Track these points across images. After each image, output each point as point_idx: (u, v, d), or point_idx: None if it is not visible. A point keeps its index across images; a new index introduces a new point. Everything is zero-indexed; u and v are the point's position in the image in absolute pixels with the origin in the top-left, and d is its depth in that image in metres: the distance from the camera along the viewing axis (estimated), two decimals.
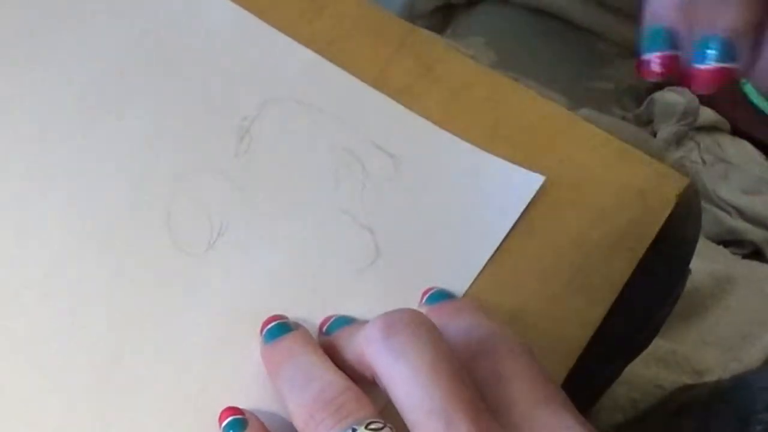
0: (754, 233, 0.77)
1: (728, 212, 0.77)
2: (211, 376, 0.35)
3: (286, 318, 0.35)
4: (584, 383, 0.41)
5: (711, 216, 0.77)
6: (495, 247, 0.38)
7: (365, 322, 0.35)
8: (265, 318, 0.35)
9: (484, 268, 0.38)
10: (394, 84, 0.42)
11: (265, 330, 0.35)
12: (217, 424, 0.33)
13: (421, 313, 0.31)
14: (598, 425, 0.61)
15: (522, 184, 0.40)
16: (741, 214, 0.77)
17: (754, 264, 0.74)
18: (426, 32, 0.44)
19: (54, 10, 0.43)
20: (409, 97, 0.42)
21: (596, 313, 0.37)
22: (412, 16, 0.81)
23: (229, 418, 0.33)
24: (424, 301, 0.36)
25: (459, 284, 0.37)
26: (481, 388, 0.29)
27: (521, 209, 0.39)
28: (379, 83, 0.42)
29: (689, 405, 0.50)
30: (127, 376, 0.34)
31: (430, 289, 0.36)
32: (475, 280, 0.38)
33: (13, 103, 0.40)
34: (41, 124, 0.40)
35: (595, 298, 0.38)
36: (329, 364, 0.32)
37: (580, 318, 0.37)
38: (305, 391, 0.31)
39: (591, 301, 0.38)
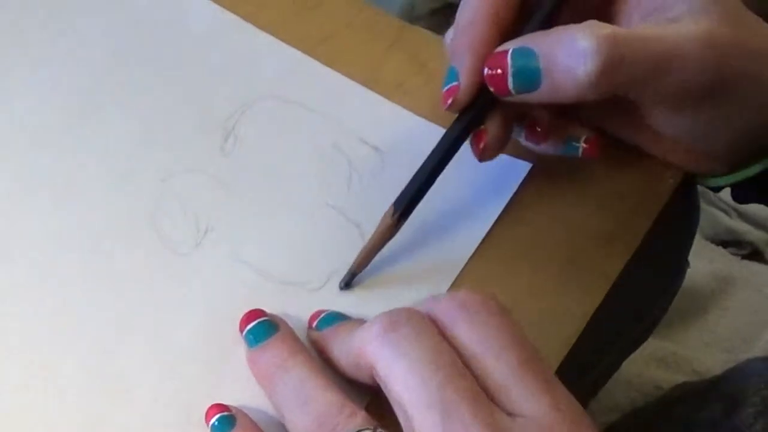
0: (753, 234, 0.76)
1: (727, 213, 0.77)
2: (200, 372, 0.35)
3: (265, 314, 0.35)
4: (582, 375, 0.41)
5: (710, 216, 0.77)
6: (483, 236, 0.38)
7: (358, 320, 0.35)
8: None
9: (476, 259, 0.38)
10: (388, 81, 0.42)
11: (246, 330, 0.34)
12: (204, 421, 0.33)
13: (418, 311, 0.31)
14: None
15: (509, 172, 0.40)
16: (740, 214, 0.77)
17: (753, 265, 0.74)
18: (419, 29, 0.44)
19: (39, 13, 0.43)
20: (403, 94, 0.42)
21: (589, 304, 0.37)
22: (411, 17, 0.81)
23: (217, 416, 0.33)
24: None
25: (448, 273, 0.37)
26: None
27: (508, 197, 0.39)
28: (372, 81, 0.42)
29: (683, 396, 0.50)
30: (116, 373, 0.34)
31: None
32: (468, 272, 0.38)
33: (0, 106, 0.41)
34: (28, 125, 0.40)
35: (588, 289, 0.38)
36: (321, 378, 0.32)
37: (573, 309, 0.37)
38: (303, 412, 0.31)
39: (584, 293, 0.37)
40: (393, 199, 0.37)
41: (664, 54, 0.34)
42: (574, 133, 0.39)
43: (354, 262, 0.37)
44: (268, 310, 0.35)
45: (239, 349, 0.35)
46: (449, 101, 0.37)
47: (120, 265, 0.37)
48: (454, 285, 0.37)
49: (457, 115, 0.37)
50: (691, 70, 0.35)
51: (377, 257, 0.37)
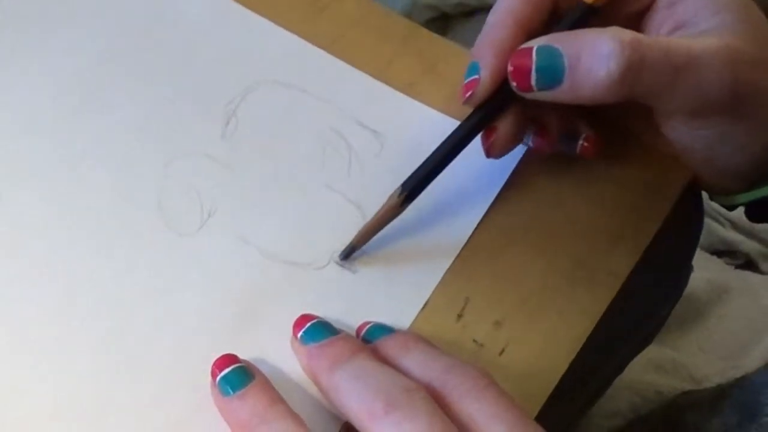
0: (746, 244, 0.77)
1: (722, 224, 0.78)
2: (206, 354, 0.34)
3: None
4: (588, 377, 0.41)
5: (705, 227, 0.77)
6: (480, 217, 0.39)
7: (401, 333, 0.35)
8: (254, 299, 0.36)
9: (486, 260, 0.38)
10: (397, 81, 0.42)
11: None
12: (211, 377, 0.33)
13: (419, 386, 0.31)
14: (598, 429, 0.61)
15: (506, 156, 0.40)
16: (734, 225, 0.78)
17: (748, 274, 0.75)
18: (428, 31, 0.44)
19: (37, 3, 0.43)
20: (413, 94, 0.42)
21: (598, 305, 0.37)
22: None
23: (230, 368, 0.33)
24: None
25: (447, 253, 0.38)
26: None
27: (505, 178, 0.40)
28: (382, 81, 0.42)
29: (693, 405, 0.50)
30: (123, 357, 0.35)
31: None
32: (477, 272, 0.38)
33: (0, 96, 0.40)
34: (29, 113, 0.40)
35: (597, 290, 0.38)
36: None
37: (582, 310, 0.37)
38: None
39: (593, 294, 0.38)
40: (392, 181, 0.37)
41: (683, 63, 0.34)
42: (574, 129, 0.39)
43: (355, 237, 0.37)
44: (272, 289, 0.36)
45: (245, 330, 0.35)
46: (467, 94, 0.37)
47: (127, 249, 0.37)
48: (468, 299, 0.37)
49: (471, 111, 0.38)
50: (708, 83, 0.35)
51: (383, 246, 0.38)
